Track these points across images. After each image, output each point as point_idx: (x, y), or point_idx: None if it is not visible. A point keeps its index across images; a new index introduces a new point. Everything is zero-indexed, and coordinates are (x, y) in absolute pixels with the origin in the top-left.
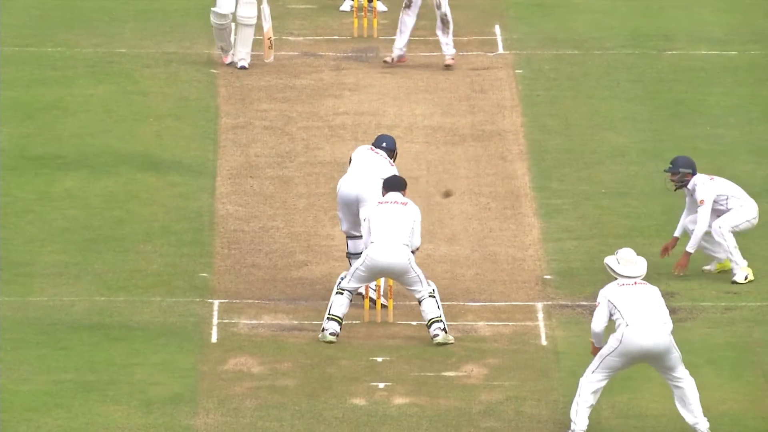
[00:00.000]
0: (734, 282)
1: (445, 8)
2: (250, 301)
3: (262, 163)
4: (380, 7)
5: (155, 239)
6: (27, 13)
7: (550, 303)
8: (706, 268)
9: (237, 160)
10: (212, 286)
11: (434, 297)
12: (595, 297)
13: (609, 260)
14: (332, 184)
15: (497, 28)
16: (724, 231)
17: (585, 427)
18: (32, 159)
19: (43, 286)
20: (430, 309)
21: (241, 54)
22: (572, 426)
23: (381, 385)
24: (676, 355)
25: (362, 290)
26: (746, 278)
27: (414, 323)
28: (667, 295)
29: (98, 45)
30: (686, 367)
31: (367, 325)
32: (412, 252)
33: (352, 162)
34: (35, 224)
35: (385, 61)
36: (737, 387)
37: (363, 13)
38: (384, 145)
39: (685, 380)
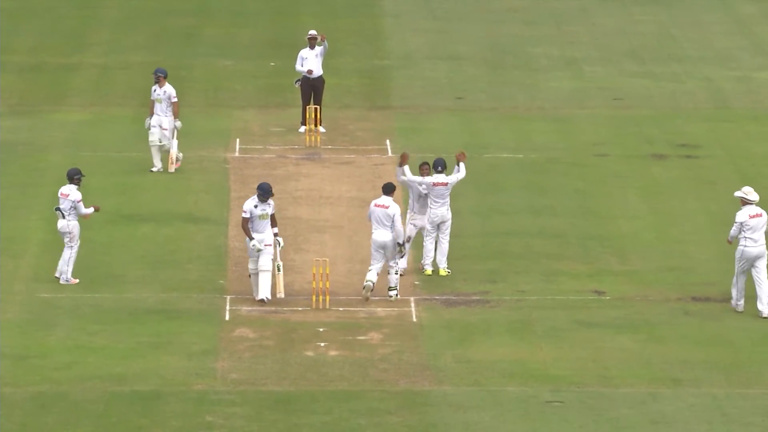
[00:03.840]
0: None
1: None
2: (247, 296)
3: None
4: (321, 130)
5: (194, 261)
6: (120, 132)
7: (417, 297)
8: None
9: (239, 217)
10: (226, 288)
11: (397, 273)
12: (444, 295)
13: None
14: (293, 230)
15: (388, 141)
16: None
17: None
18: (124, 216)
19: (130, 288)
20: (391, 280)
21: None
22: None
23: (322, 344)
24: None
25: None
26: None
27: (341, 309)
28: (481, 293)
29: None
30: (494, 334)
31: (314, 311)
32: (400, 243)
33: None
34: (126, 253)
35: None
36: (523, 345)
37: (311, 134)
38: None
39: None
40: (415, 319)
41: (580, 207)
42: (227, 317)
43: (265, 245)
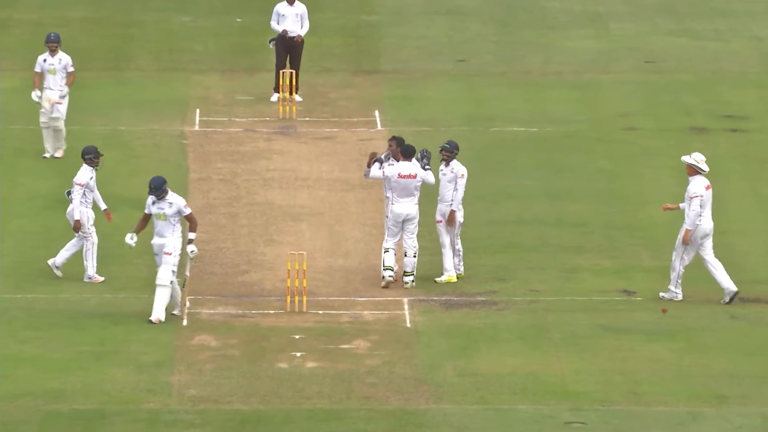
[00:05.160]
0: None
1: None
2: (209, 297)
3: (217, 203)
4: (297, 98)
5: (145, 255)
6: None
7: (412, 298)
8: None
9: (200, 201)
10: (183, 287)
11: (415, 257)
12: (443, 296)
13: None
14: (264, 218)
15: (377, 113)
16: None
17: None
18: (61, 201)
19: (69, 287)
20: (408, 264)
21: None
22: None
23: (298, 354)
24: None
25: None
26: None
27: (320, 312)
28: (487, 293)
29: (106, 124)
30: (502, 342)
31: (288, 314)
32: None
33: None
34: (63, 246)
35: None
36: (537, 355)
37: (285, 103)
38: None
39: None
40: (409, 324)
41: (605, 190)
42: (185, 322)
43: (165, 253)
